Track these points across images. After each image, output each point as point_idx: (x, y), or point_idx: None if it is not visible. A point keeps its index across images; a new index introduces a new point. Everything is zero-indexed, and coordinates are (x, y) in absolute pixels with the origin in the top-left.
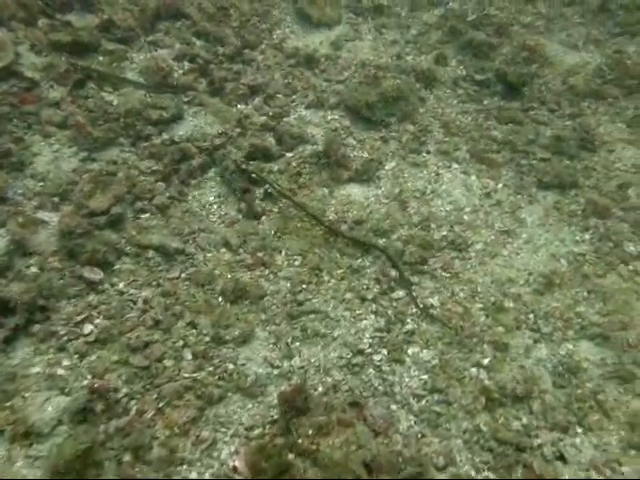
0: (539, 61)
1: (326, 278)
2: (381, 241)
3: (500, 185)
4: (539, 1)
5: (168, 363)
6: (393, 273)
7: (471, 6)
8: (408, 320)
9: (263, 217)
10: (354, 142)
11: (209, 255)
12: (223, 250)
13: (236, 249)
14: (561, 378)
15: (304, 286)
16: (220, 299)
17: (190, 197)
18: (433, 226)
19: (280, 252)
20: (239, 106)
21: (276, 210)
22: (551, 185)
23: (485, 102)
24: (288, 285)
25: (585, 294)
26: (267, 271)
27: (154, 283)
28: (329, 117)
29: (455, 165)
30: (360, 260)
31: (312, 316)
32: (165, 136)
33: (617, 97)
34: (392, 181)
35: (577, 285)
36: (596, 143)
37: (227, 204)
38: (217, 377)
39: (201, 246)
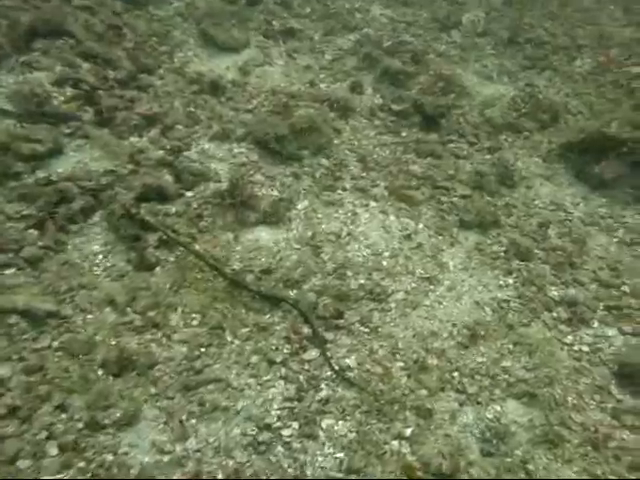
0: (456, 91)
1: (229, 339)
2: (292, 293)
3: (420, 225)
4: (453, 30)
5: (23, 464)
6: (305, 330)
7: (386, 32)
8: (322, 385)
9: (157, 268)
10: (262, 179)
11: (89, 317)
12: (107, 310)
13: (123, 308)
14: (489, 445)
15: (203, 350)
16: (100, 372)
17: (69, 246)
18: (349, 274)
19: (176, 310)
20: (132, 139)
21: (172, 259)
22: (473, 224)
23: (403, 134)
24: (184, 350)
25: (511, 346)
26: (159, 334)
27: (15, 357)
28: (235, 150)
29: (373, 203)
30: (268, 316)
31: (212, 386)
32: (40, 174)
33: (532, 131)
34: (304, 223)
35: (502, 336)
36: (515, 179)
37: (114, 254)
38: (90, 475)
39: (80, 306)
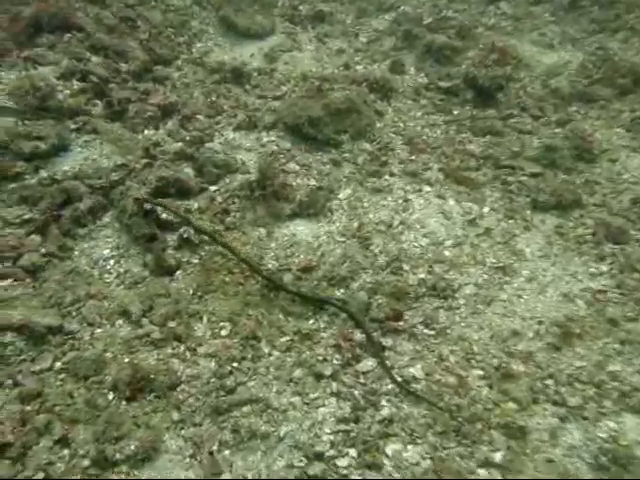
0: (512, 63)
1: (266, 350)
2: (339, 292)
3: (486, 209)
4: (501, 1)
5: None
6: (358, 335)
7: (426, 9)
8: (383, 402)
9: (178, 272)
10: (297, 167)
11: (98, 332)
12: (120, 322)
13: (138, 319)
14: (607, 473)
15: (235, 365)
16: (111, 396)
17: (76, 252)
18: (406, 267)
19: (201, 318)
20: (146, 132)
21: (196, 261)
22: (549, 206)
23: (455, 112)
24: (212, 365)
25: (617, 346)
26: (182, 347)
27: (8, 382)
28: (264, 139)
29: (427, 188)
30: (312, 321)
31: (247, 408)
32: (43, 174)
33: (609, 99)
34: (348, 213)
35: (604, 334)
36: (595, 152)
37: (128, 258)
38: None
39: (87, 319)
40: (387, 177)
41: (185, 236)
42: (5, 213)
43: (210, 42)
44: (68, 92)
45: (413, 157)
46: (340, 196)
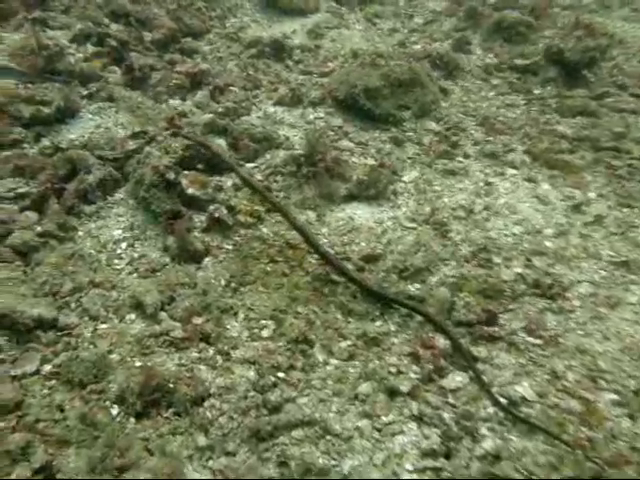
0: (601, 40)
1: (321, 357)
2: (413, 287)
3: (592, 194)
4: None
5: None
6: (442, 342)
7: None
8: (483, 430)
9: (207, 259)
10: (351, 145)
11: (103, 327)
12: (131, 316)
13: (154, 313)
14: None
15: (281, 375)
16: (115, 411)
17: (80, 233)
18: (497, 260)
19: (235, 315)
20: (171, 102)
21: (229, 247)
22: None
23: (536, 91)
24: (251, 375)
25: None
26: (211, 350)
27: None
28: (310, 115)
29: (512, 171)
30: (379, 323)
31: (298, 433)
32: (45, 142)
33: None
34: (417, 197)
35: None
36: None
37: (144, 241)
38: None
39: (90, 312)
40: (461, 159)
41: (216, 215)
42: None
43: (246, 18)
44: (81, 55)
45: (490, 138)
46: (405, 178)
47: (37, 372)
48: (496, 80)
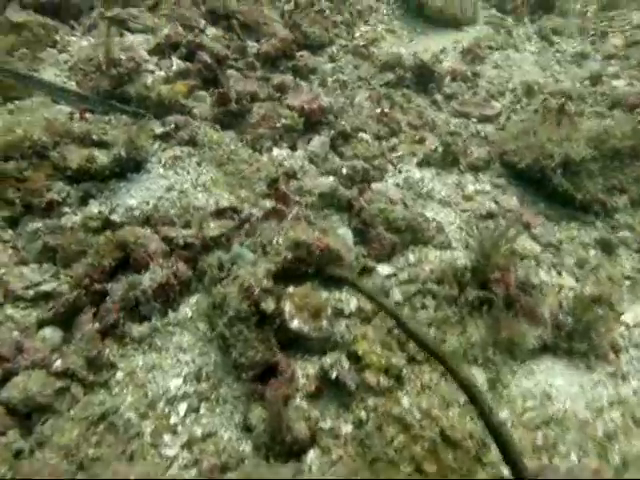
0: None
1: None
2: None
3: None
4: None
5: None
6: None
7: None
8: None
9: (311, 452)
10: (537, 248)
11: None
12: None
13: None
14: None
15: None
16: None
17: (120, 374)
18: None
19: None
20: (276, 151)
21: (350, 427)
22: None
23: None
24: None
25: None
26: None
27: None
28: (470, 187)
29: None
30: None
31: None
32: (93, 208)
33: None
34: None
35: None
36: None
37: (217, 405)
38: None
39: None
40: None
41: (333, 375)
42: (11, 277)
43: (381, 26)
44: (162, 74)
45: None
46: (627, 318)
47: None
48: None
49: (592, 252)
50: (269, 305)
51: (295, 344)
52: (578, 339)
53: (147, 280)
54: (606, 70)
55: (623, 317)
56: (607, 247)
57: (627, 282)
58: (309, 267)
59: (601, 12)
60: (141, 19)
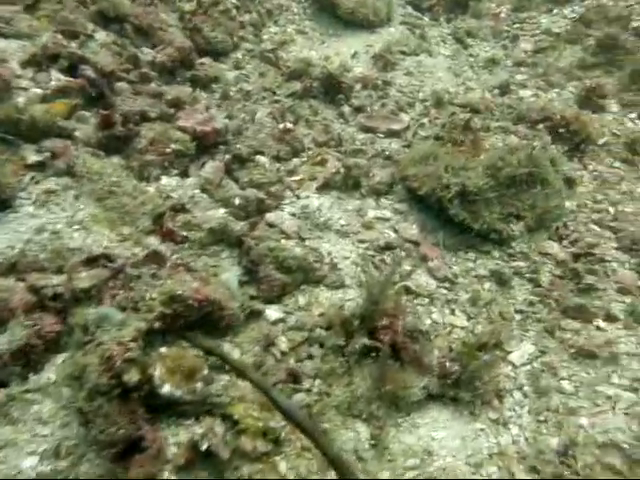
0: None
1: None
2: None
3: None
4: None
5: None
6: None
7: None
8: None
9: None
10: (433, 284)
11: None
12: None
13: None
14: None
15: None
16: None
17: None
18: None
19: None
20: (165, 180)
21: None
22: None
23: None
24: None
25: None
26: None
27: None
28: (370, 213)
29: None
30: None
31: None
32: None
33: None
34: (536, 406)
35: None
36: None
37: None
38: None
39: None
40: (600, 323)
41: (203, 446)
42: None
43: (292, 26)
44: (39, 92)
45: None
46: (514, 357)
47: None
48: None
49: (487, 285)
50: (132, 376)
51: (167, 409)
52: (464, 387)
53: (4, 342)
54: (515, 77)
55: (510, 356)
56: (501, 279)
57: (518, 316)
58: (187, 320)
59: (514, 13)
60: (15, 21)
